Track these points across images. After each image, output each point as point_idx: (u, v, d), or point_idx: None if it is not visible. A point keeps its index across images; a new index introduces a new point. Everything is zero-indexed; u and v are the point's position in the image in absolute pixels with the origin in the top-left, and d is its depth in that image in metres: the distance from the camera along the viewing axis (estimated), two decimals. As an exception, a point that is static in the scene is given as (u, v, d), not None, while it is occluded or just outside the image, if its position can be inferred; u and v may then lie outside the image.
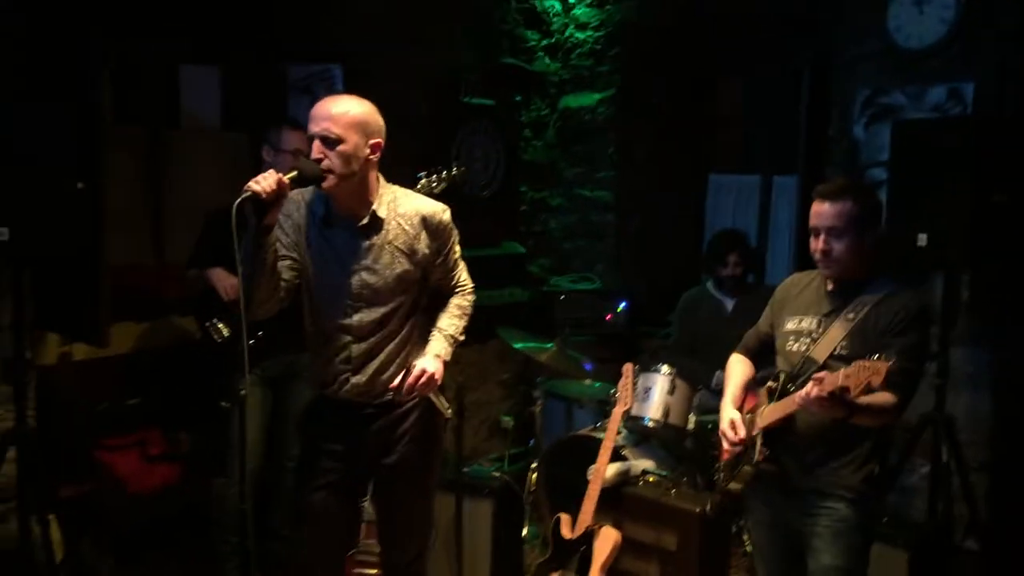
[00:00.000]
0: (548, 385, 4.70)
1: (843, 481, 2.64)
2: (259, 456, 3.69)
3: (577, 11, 5.61)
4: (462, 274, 2.90)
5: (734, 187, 5.61)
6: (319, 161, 2.55)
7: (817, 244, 2.66)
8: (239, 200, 2.38)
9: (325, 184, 2.58)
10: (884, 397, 2.45)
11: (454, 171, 3.33)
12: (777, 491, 2.76)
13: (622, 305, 5.36)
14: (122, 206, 4.04)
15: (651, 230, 5.65)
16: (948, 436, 3.69)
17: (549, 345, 4.35)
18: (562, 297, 5.36)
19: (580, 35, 5.61)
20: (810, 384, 2.43)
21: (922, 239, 3.55)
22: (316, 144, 2.57)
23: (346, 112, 2.58)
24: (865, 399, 2.36)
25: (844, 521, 2.63)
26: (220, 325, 3.58)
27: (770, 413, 2.68)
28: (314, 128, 2.57)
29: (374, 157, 2.65)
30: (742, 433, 2.72)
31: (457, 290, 2.89)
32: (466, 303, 2.89)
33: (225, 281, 3.54)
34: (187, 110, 4.40)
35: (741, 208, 5.55)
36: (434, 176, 3.30)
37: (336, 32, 4.46)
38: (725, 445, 2.78)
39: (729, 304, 4.55)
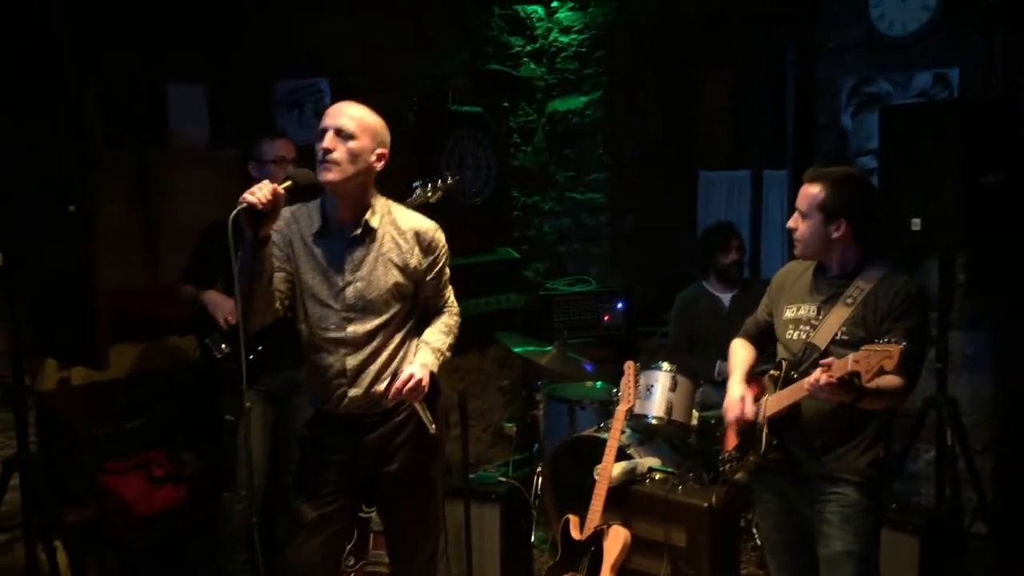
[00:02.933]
0: (549, 388, 4.69)
1: (850, 465, 2.64)
2: (264, 472, 3.67)
3: (560, 15, 5.62)
4: (450, 294, 2.93)
5: (725, 183, 5.62)
6: (329, 152, 2.59)
7: (790, 222, 2.75)
8: (235, 212, 2.38)
9: (329, 176, 2.61)
10: (892, 380, 2.45)
11: (448, 180, 3.34)
12: (785, 480, 2.76)
13: (619, 305, 5.37)
14: (114, 229, 4.02)
15: (644, 230, 5.66)
16: (952, 419, 3.70)
17: (548, 348, 4.34)
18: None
19: (564, 39, 5.63)
20: (818, 371, 2.42)
21: (915, 224, 3.56)
22: (330, 135, 2.62)
23: (364, 116, 2.68)
24: (874, 382, 2.36)
25: (853, 505, 2.63)
26: (221, 341, 3.57)
27: (775, 402, 2.68)
28: (330, 121, 2.64)
29: (379, 166, 2.70)
30: (751, 408, 2.71)
31: (445, 309, 2.90)
32: (453, 322, 2.91)
33: (223, 306, 3.53)
34: (175, 130, 4.40)
35: (733, 204, 5.56)
36: (428, 185, 3.30)
37: (322, 46, 4.46)
38: (730, 417, 2.77)
39: (726, 300, 4.56)
